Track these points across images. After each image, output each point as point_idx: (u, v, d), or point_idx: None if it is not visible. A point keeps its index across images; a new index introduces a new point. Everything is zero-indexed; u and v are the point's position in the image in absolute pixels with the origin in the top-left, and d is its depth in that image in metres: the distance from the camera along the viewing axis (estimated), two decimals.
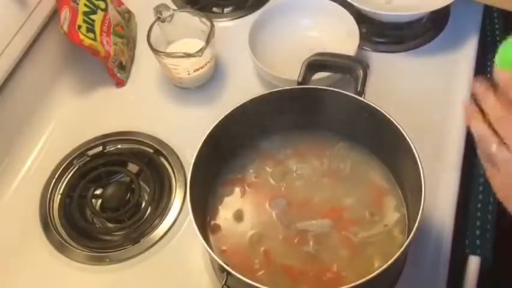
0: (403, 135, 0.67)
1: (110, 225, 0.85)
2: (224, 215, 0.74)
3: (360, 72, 0.74)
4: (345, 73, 0.77)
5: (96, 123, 0.94)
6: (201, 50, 0.87)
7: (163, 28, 0.93)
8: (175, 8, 1.03)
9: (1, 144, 0.88)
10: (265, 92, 0.73)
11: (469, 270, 0.77)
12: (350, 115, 0.73)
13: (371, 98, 0.73)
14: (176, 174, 0.85)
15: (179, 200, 0.83)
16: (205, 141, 0.70)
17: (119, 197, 0.84)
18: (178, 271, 0.77)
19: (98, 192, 0.86)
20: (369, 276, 0.57)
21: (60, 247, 0.80)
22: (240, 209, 0.75)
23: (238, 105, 0.72)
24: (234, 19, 1.06)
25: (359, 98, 0.72)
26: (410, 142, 0.66)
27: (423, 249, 0.74)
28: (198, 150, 0.69)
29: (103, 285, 0.78)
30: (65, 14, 0.89)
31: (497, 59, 0.59)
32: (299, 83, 0.75)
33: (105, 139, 0.91)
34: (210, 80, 0.96)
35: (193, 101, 0.95)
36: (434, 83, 0.92)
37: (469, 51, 0.95)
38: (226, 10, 1.09)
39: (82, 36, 0.89)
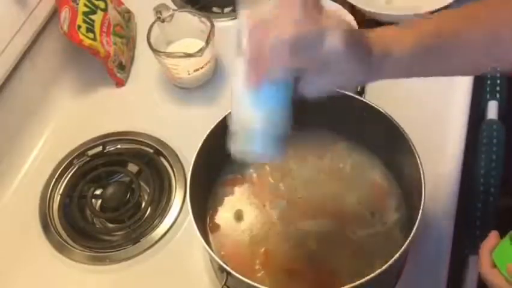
0: (403, 134, 0.67)
1: (110, 225, 0.85)
2: (224, 215, 0.74)
3: None
4: None
5: (96, 123, 0.94)
6: (200, 50, 0.87)
7: (163, 28, 0.93)
8: (175, 8, 1.03)
9: (1, 144, 0.88)
10: None
11: (469, 270, 0.77)
12: (349, 115, 0.73)
13: (371, 98, 0.73)
14: (176, 174, 0.85)
15: (179, 200, 0.83)
16: (205, 141, 0.70)
17: (119, 197, 0.83)
18: (178, 271, 0.77)
19: (98, 192, 0.86)
20: (369, 276, 0.57)
21: (60, 247, 0.80)
22: (240, 209, 0.74)
23: None
24: (234, 19, 1.06)
25: (359, 97, 0.72)
26: (410, 142, 0.66)
27: (423, 249, 0.74)
28: (198, 150, 0.69)
29: (103, 285, 0.77)
30: (65, 14, 0.89)
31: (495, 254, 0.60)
32: None
33: (105, 139, 0.91)
34: (210, 80, 0.96)
35: (193, 101, 0.95)
36: (434, 82, 0.91)
37: None
38: (226, 10, 1.09)
39: (81, 36, 0.89)
